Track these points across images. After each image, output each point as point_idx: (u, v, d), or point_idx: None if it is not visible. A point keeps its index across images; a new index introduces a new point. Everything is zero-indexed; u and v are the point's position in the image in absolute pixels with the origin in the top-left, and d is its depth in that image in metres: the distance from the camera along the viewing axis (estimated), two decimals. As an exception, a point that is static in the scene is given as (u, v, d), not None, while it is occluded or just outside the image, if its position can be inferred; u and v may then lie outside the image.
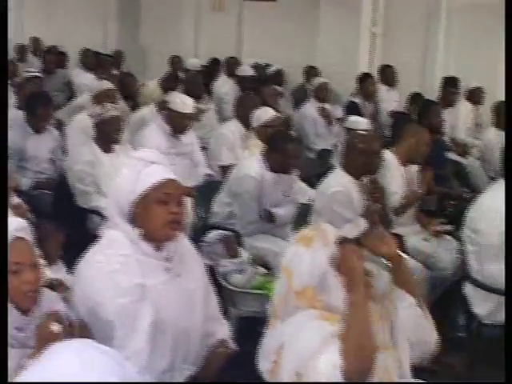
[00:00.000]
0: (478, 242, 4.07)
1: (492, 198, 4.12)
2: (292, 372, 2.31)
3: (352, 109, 7.97)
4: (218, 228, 4.73)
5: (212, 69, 9.77)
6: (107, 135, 5.09)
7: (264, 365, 2.45)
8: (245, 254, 4.47)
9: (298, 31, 9.94)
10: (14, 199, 4.02)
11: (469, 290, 4.19)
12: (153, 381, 2.64)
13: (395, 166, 4.99)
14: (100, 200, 4.67)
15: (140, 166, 2.67)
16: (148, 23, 11.67)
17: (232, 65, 9.36)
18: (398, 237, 4.79)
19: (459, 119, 8.08)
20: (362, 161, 4.43)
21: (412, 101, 7.79)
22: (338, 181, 4.45)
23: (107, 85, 6.41)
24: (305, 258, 2.44)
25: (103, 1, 12.43)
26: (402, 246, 4.78)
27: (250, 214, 4.71)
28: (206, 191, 5.14)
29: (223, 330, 3.01)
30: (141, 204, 2.64)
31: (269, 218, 4.75)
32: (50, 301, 2.55)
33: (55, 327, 2.28)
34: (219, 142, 6.01)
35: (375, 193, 4.45)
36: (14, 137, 5.34)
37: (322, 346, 2.28)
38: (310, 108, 7.76)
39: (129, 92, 7.39)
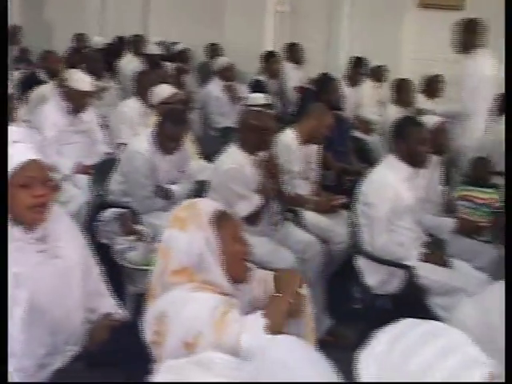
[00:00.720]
0: (369, 215, 4.16)
1: (381, 173, 4.22)
2: (178, 342, 2.33)
3: (257, 87, 8.00)
4: (115, 206, 4.69)
5: (117, 47, 9.62)
6: None
7: (147, 335, 2.46)
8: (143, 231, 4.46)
9: (205, 9, 9.89)
10: None
11: (361, 262, 4.29)
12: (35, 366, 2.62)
13: (294, 144, 5.03)
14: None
15: None
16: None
17: (137, 43, 9.24)
18: (295, 212, 4.88)
19: (363, 97, 8.23)
20: (255, 137, 4.41)
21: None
22: (233, 157, 4.43)
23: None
24: (181, 239, 2.46)
25: (5, -24, 12.04)
26: (299, 220, 4.88)
27: (143, 191, 4.69)
28: (105, 169, 5.07)
29: (107, 304, 2.97)
30: None
31: (164, 194, 4.75)
32: None
33: None
34: (119, 119, 5.94)
35: (270, 169, 4.46)
36: None
37: (212, 316, 2.33)
38: (214, 87, 7.74)
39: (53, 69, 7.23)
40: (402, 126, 4.30)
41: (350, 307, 4.56)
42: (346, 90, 7.98)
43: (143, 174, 4.68)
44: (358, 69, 8.15)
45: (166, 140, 4.71)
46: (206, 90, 7.83)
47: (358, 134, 7.47)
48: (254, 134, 4.41)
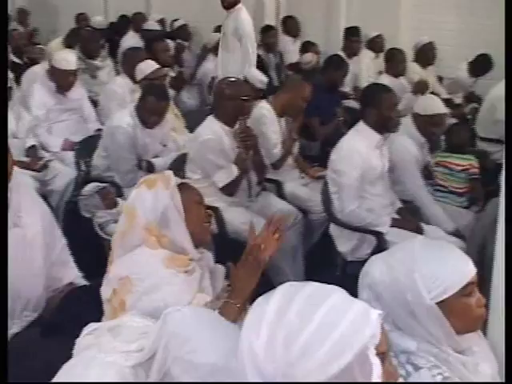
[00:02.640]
0: (339, 183, 4.21)
1: (350, 140, 4.25)
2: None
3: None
4: (99, 181, 4.80)
5: (120, 25, 9.71)
6: None
7: (105, 292, 2.55)
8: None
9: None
10: None
11: (333, 229, 4.36)
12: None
13: (272, 117, 5.07)
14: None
15: None
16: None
17: (139, 20, 9.33)
18: (276, 182, 4.94)
19: (361, 68, 8.23)
20: (230, 106, 4.46)
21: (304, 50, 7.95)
22: (210, 128, 4.49)
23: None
24: (147, 197, 2.59)
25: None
26: (279, 191, 4.95)
27: (125, 165, 4.78)
28: (91, 145, 5.17)
29: (71, 274, 3.09)
30: None
31: (147, 167, 4.84)
32: None
33: None
34: (108, 96, 6.02)
35: (247, 140, 4.50)
36: None
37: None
38: (211, 63, 7.80)
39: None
40: (371, 93, 4.35)
41: (332, 275, 4.61)
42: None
43: (125, 149, 4.77)
44: (355, 38, 8.15)
45: (148, 114, 4.79)
46: (204, 65, 7.88)
47: (356, 104, 7.48)
48: (229, 103, 4.47)
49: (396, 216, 4.33)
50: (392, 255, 2.05)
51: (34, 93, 5.65)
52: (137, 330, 2.02)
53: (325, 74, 6.52)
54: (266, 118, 5.02)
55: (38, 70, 6.36)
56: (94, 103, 6.20)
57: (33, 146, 5.26)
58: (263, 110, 5.06)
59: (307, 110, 5.28)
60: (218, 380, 1.79)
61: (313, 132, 5.91)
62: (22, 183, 2.96)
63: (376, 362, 1.40)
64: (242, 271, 2.52)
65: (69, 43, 7.55)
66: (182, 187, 2.68)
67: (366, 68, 8.26)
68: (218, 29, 8.99)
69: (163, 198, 2.59)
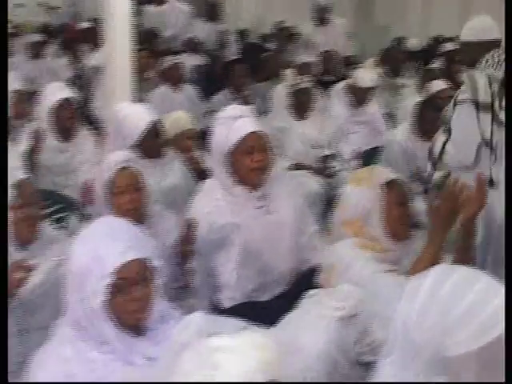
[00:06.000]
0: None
1: None
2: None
3: None
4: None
5: (431, 48, 10.06)
6: (300, 104, 5.78)
7: (320, 277, 2.94)
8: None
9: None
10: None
11: None
12: (243, 297, 3.23)
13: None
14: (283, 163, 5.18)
15: (229, 122, 3.17)
16: (383, 5, 12.19)
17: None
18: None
19: None
20: None
21: None
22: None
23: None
24: (353, 194, 2.89)
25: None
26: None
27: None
28: (375, 155, 5.62)
29: (318, 257, 3.33)
30: (231, 155, 3.17)
31: (419, 178, 5.09)
32: None
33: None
34: (403, 113, 6.41)
35: None
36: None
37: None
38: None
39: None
40: None
41: None
42: None
43: (398, 161, 5.14)
44: None
45: (425, 128, 5.09)
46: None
47: None
48: None
49: None
50: None
51: (333, 104, 6.34)
52: (345, 294, 2.39)
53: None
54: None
55: (340, 86, 6.97)
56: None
57: (327, 156, 5.82)
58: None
59: None
60: None
61: None
62: (281, 175, 3.46)
63: None
64: (435, 218, 2.66)
65: (380, 62, 8.08)
66: (389, 185, 2.84)
67: None
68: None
69: (366, 197, 2.81)
